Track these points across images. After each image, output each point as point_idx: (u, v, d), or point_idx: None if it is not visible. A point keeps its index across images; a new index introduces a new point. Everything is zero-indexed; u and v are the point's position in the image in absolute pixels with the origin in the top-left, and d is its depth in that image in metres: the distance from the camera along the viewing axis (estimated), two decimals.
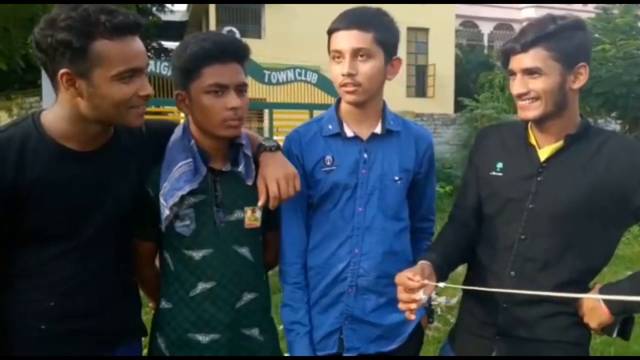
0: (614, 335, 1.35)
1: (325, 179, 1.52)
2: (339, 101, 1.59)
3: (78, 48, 1.18)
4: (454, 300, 4.15)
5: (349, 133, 1.53)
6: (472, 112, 11.46)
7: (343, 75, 1.44)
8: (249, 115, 7.95)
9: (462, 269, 1.58)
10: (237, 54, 1.38)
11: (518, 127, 1.51)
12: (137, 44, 1.27)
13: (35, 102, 9.41)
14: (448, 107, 16.36)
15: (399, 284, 1.28)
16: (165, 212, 1.37)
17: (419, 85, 18.05)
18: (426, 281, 1.26)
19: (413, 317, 1.27)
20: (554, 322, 1.39)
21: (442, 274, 1.36)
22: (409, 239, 1.62)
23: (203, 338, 1.43)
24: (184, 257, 1.43)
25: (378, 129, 1.53)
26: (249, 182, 1.46)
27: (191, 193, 1.39)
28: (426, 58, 17.95)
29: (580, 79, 1.36)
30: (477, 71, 16.86)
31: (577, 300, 1.36)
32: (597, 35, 9.12)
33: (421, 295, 1.24)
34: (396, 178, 1.53)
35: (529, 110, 1.37)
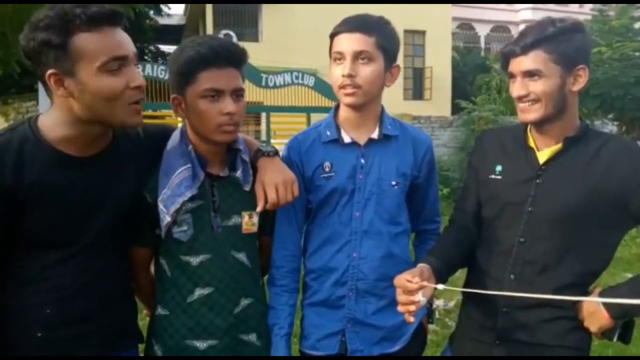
0: (614, 339, 1.35)
1: (324, 185, 1.53)
2: (337, 107, 1.59)
3: (58, 45, 1.17)
4: (452, 304, 4.15)
5: (347, 139, 1.53)
6: (469, 115, 11.47)
7: (343, 76, 1.45)
8: (247, 119, 7.96)
9: (460, 273, 1.57)
10: (234, 58, 1.38)
11: (517, 130, 1.51)
12: (119, 33, 1.24)
13: (32, 106, 9.40)
14: (445, 110, 16.40)
15: (398, 286, 1.28)
16: (166, 218, 1.36)
17: (416, 88, 18.08)
18: (425, 283, 1.26)
19: (412, 319, 1.27)
20: (554, 327, 1.38)
21: (441, 277, 1.36)
22: (407, 242, 1.63)
23: (201, 344, 1.43)
24: (181, 263, 1.42)
25: (375, 134, 1.53)
26: (247, 188, 1.45)
27: (189, 198, 1.38)
28: (423, 60, 17.98)
29: (580, 81, 1.36)
30: (474, 73, 16.89)
31: (576, 304, 1.36)
32: (593, 37, 9.14)
33: (420, 297, 1.24)
34: (393, 183, 1.53)
35: (529, 113, 1.37)
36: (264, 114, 7.55)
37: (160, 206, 1.37)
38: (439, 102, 17.21)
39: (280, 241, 1.57)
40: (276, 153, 1.50)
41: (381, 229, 1.53)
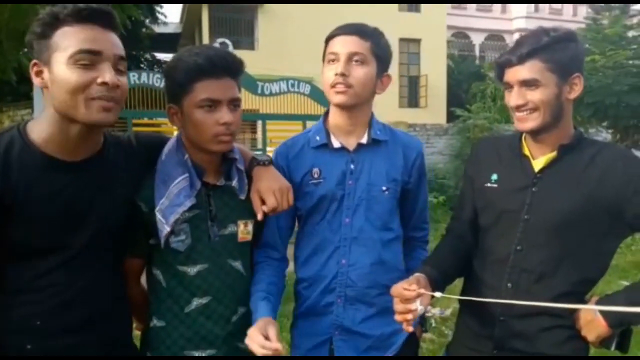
0: (612, 348, 1.35)
1: (313, 191, 1.52)
2: (326, 113, 1.60)
3: (41, 35, 1.20)
4: (448, 312, 4.15)
5: (336, 144, 1.54)
6: (464, 122, 11.52)
7: (336, 74, 1.46)
8: (243, 127, 7.95)
9: (457, 281, 1.57)
10: (230, 68, 1.38)
11: (512, 139, 1.52)
12: (104, 33, 1.22)
13: (27, 114, 9.36)
14: (440, 118, 16.45)
15: (395, 295, 1.27)
16: (165, 228, 1.35)
17: (412, 96, 18.16)
18: (422, 290, 1.25)
19: (410, 328, 1.27)
20: (551, 336, 1.38)
21: (437, 286, 1.35)
22: (400, 249, 1.62)
23: (200, 354, 1.42)
24: (177, 273, 1.41)
25: (364, 139, 1.54)
26: (242, 197, 1.45)
27: (187, 207, 1.37)
28: (418, 69, 18.07)
29: (576, 89, 1.37)
30: (469, 81, 16.99)
31: (574, 313, 1.35)
32: (587, 45, 9.22)
33: (417, 306, 1.23)
34: (384, 188, 1.53)
35: (527, 122, 1.38)
36: (259, 122, 7.55)
37: (159, 216, 1.36)
38: (434, 109, 17.27)
39: (262, 244, 1.56)
40: (271, 162, 1.51)
41: (372, 235, 1.52)
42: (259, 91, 7.32)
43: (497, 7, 24.55)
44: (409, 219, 1.65)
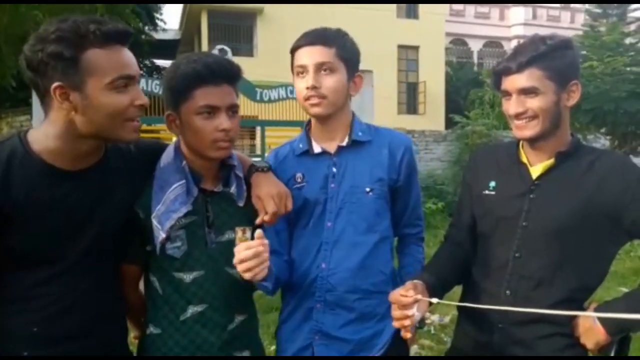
0: (612, 354, 1.34)
1: (297, 195, 1.53)
2: (309, 122, 1.61)
3: (69, 59, 1.17)
4: (447, 319, 4.13)
5: (317, 149, 1.55)
6: (462, 129, 11.54)
7: (307, 88, 1.47)
8: (242, 133, 7.96)
9: (456, 288, 1.56)
10: (229, 75, 1.38)
11: (510, 147, 1.52)
12: (128, 53, 1.26)
13: (26, 120, 9.35)
14: (439, 124, 16.49)
15: (393, 301, 1.28)
16: (161, 235, 1.35)
17: (410, 102, 18.20)
18: (419, 296, 1.25)
19: (409, 334, 1.26)
20: (550, 343, 1.37)
21: (435, 293, 1.34)
22: (387, 251, 1.59)
23: None
24: (173, 280, 1.41)
25: (345, 142, 1.54)
26: (241, 203, 1.45)
27: (183, 214, 1.37)
28: (417, 75, 18.13)
29: (573, 96, 1.38)
30: (467, 88, 17.02)
31: (573, 320, 1.35)
32: (584, 52, 9.26)
33: (414, 311, 1.23)
34: (367, 189, 1.52)
35: (526, 130, 1.38)
36: (258, 128, 7.56)
37: (155, 222, 1.36)
38: (432, 116, 17.31)
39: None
40: (269, 168, 1.51)
41: (354, 239, 1.51)
42: (258, 97, 7.33)
43: (495, 14, 24.67)
44: (401, 217, 1.64)
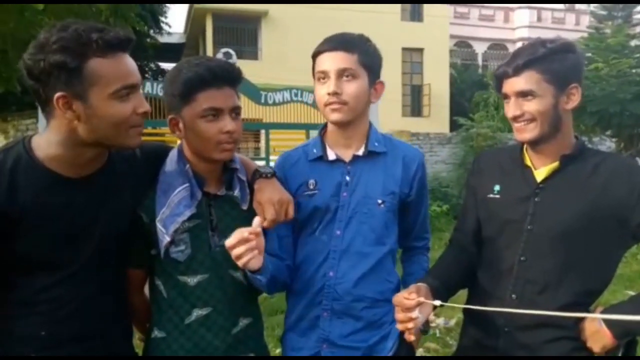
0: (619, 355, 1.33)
1: (307, 203, 1.51)
2: (324, 127, 1.59)
3: (73, 68, 1.16)
4: (453, 322, 4.12)
5: (332, 156, 1.54)
6: (467, 131, 11.52)
7: (329, 94, 1.46)
8: (246, 135, 7.98)
9: (461, 292, 1.56)
10: (230, 77, 1.38)
11: (514, 150, 1.52)
12: (130, 60, 1.26)
13: (32, 124, 9.41)
14: (443, 126, 16.48)
15: (396, 304, 1.28)
16: (165, 238, 1.35)
17: (415, 105, 18.20)
18: (422, 299, 1.25)
19: (412, 337, 1.26)
20: (556, 347, 1.37)
21: (439, 296, 1.34)
22: (392, 263, 1.58)
23: None
24: (178, 284, 1.41)
25: (361, 151, 1.53)
26: (244, 207, 1.45)
27: (187, 218, 1.37)
28: (421, 78, 18.13)
29: (573, 99, 1.37)
30: (472, 90, 17.03)
31: (579, 323, 1.34)
32: (590, 54, 9.24)
33: (417, 314, 1.23)
34: (379, 201, 1.51)
35: (525, 132, 1.38)
36: (263, 131, 7.57)
37: (159, 226, 1.36)
38: (437, 118, 17.30)
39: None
40: (274, 174, 1.50)
41: (362, 249, 1.50)
42: (263, 101, 7.34)
43: (499, 16, 24.64)
44: (410, 231, 1.63)
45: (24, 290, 1.27)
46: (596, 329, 1.31)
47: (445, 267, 1.52)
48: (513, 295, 1.41)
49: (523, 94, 1.35)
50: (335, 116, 1.48)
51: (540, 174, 1.42)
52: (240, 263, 1.26)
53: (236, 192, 1.44)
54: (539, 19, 24.37)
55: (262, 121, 7.91)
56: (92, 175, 1.31)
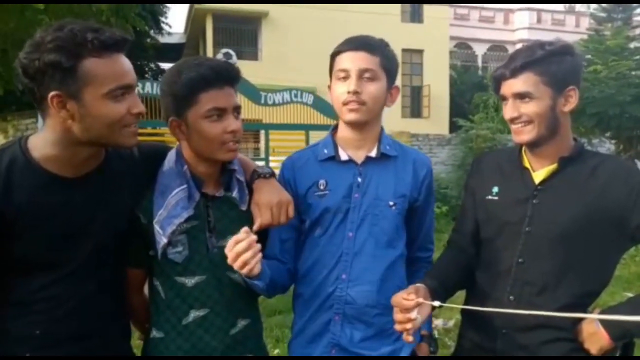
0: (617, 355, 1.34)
1: (318, 203, 1.50)
2: (335, 127, 1.58)
3: (68, 68, 1.16)
4: (451, 323, 4.12)
5: (344, 156, 1.52)
6: (467, 133, 11.53)
7: (349, 92, 1.45)
8: (246, 136, 7.98)
9: (460, 293, 1.56)
10: (230, 77, 1.38)
11: (512, 152, 1.52)
12: (125, 60, 1.25)
13: (31, 123, 9.40)
14: (443, 128, 16.49)
15: (395, 305, 1.28)
16: (162, 240, 1.35)
17: (414, 106, 18.22)
18: (421, 299, 1.25)
19: (410, 338, 1.26)
20: (554, 348, 1.37)
21: (438, 297, 1.34)
22: (404, 268, 1.57)
23: None
24: (175, 284, 1.41)
25: (373, 153, 1.52)
26: (243, 207, 1.44)
27: (185, 219, 1.37)
28: (421, 79, 18.16)
29: (571, 101, 1.38)
30: (472, 92, 17.04)
31: (576, 324, 1.34)
32: (589, 56, 9.25)
33: (416, 315, 1.23)
34: (391, 203, 1.50)
35: (523, 134, 1.38)
36: (262, 132, 7.58)
37: (157, 227, 1.36)
38: (437, 120, 17.32)
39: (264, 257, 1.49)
40: (272, 175, 1.49)
41: (375, 252, 1.48)
42: (262, 101, 7.35)
43: (499, 18, 24.65)
44: (415, 238, 1.61)
45: (22, 289, 1.26)
46: (593, 331, 1.31)
47: (444, 268, 1.52)
48: (511, 297, 1.41)
49: (520, 96, 1.36)
50: (352, 116, 1.47)
51: (538, 175, 1.43)
52: (245, 271, 1.24)
53: (234, 193, 1.44)
54: (539, 20, 24.37)
55: (261, 122, 7.91)
56: (89, 174, 1.31)
